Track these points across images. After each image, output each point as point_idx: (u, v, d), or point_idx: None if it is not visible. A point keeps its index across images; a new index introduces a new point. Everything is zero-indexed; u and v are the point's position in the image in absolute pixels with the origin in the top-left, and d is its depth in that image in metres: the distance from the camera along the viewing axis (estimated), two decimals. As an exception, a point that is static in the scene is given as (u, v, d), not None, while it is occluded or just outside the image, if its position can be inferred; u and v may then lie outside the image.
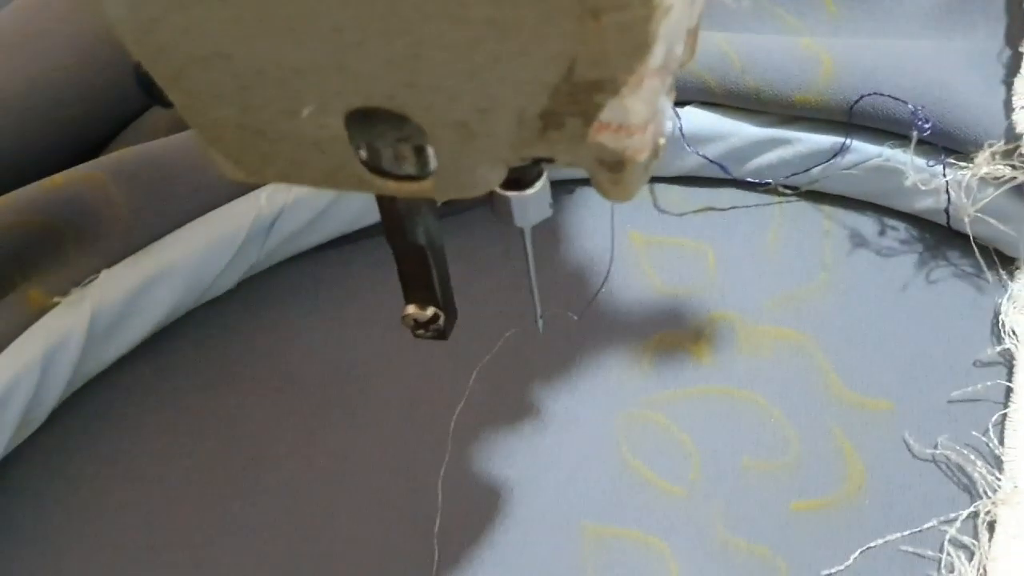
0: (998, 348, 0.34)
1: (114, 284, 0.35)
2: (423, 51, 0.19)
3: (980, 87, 0.36)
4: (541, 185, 0.24)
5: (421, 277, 0.27)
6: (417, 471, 0.35)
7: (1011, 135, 0.34)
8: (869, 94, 0.35)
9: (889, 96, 0.35)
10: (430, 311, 0.27)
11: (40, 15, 0.41)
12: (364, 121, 0.21)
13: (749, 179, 0.38)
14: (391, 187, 0.22)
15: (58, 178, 0.36)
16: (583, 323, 0.36)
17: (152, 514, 0.35)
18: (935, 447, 0.33)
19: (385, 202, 0.26)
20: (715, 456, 0.34)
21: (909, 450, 0.33)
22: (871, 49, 0.36)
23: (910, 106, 0.35)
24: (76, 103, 0.40)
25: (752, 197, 0.38)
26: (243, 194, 0.37)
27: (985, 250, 0.36)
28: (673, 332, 0.36)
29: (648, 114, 0.20)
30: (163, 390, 0.37)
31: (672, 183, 0.39)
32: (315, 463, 0.35)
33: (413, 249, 0.26)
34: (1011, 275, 0.36)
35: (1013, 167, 0.34)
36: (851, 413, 0.34)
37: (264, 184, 0.23)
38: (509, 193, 0.24)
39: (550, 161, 0.21)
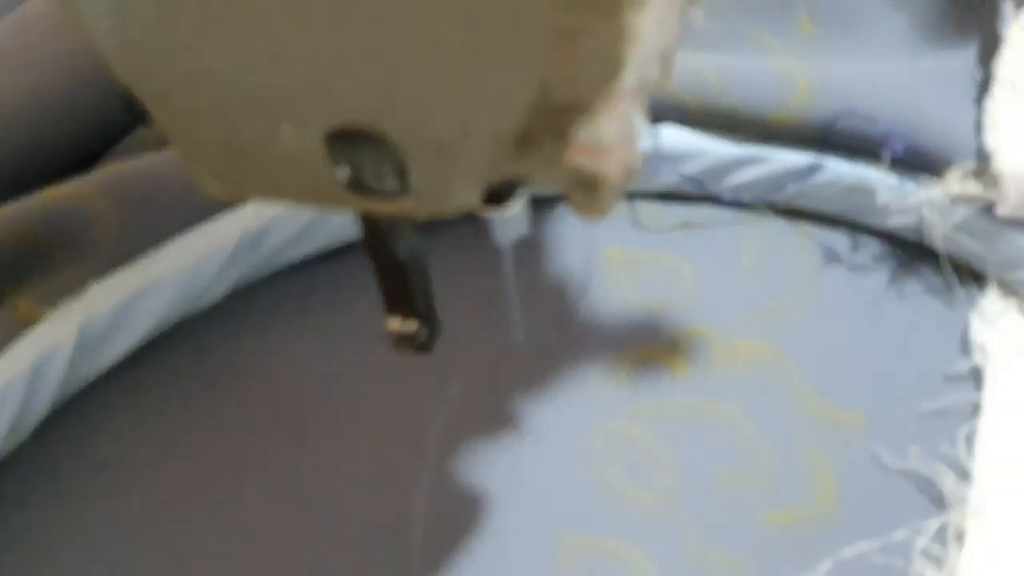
0: (968, 363, 0.35)
1: (102, 297, 0.36)
2: (401, 74, 0.19)
3: (953, 107, 0.36)
4: (518, 202, 0.25)
5: (403, 291, 0.27)
6: (397, 482, 0.35)
7: (982, 155, 0.35)
8: (842, 114, 0.36)
9: (862, 116, 0.36)
10: (413, 325, 0.28)
11: (32, 30, 0.41)
12: (344, 140, 0.21)
13: (725, 196, 0.39)
14: (371, 205, 0.23)
15: (49, 193, 0.37)
16: (561, 337, 0.37)
17: (139, 524, 0.35)
18: (905, 459, 0.34)
19: (366, 218, 0.26)
20: (689, 468, 0.35)
21: (880, 462, 0.34)
22: (845, 70, 0.37)
23: (882, 126, 0.35)
24: (67, 118, 0.41)
25: (728, 214, 0.39)
26: (231, 207, 0.38)
27: (957, 266, 0.37)
28: (649, 346, 0.37)
29: (621, 135, 0.20)
30: (151, 401, 0.38)
31: (650, 200, 0.40)
32: (300, 475, 0.36)
33: (395, 264, 0.27)
34: (981, 291, 0.36)
35: (983, 186, 0.35)
36: (823, 425, 0.35)
37: (247, 201, 0.24)
38: (487, 210, 0.24)
39: (526, 181, 0.22)
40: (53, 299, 0.36)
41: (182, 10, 0.19)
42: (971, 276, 0.37)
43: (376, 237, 0.27)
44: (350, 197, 0.23)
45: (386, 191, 0.22)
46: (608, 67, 0.19)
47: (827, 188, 0.37)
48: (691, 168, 0.39)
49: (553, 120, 0.20)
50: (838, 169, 0.37)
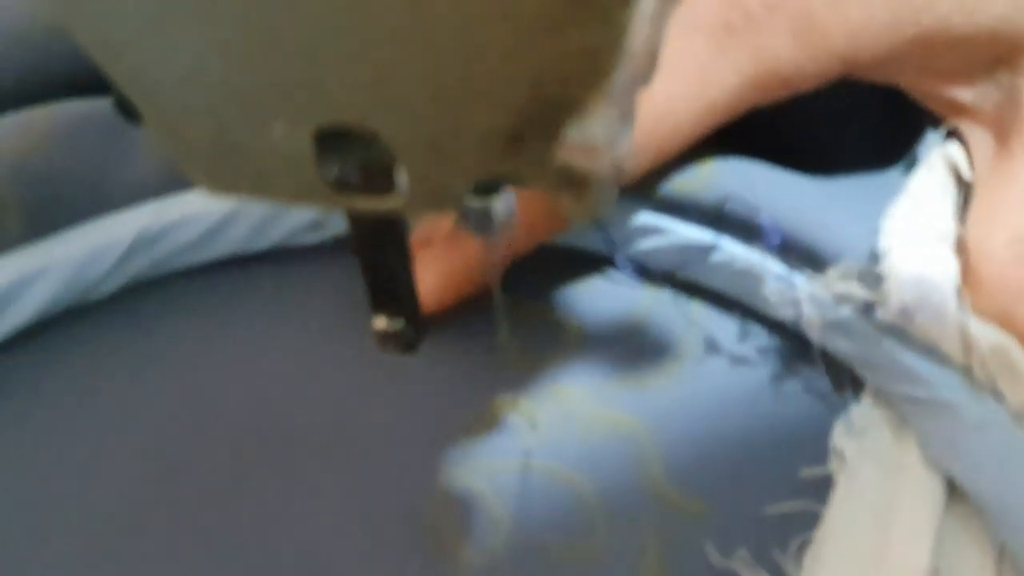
0: (823, 471, 0.34)
1: (-9, 275, 0.37)
2: (392, 72, 0.20)
3: (852, 210, 0.35)
4: (504, 201, 0.25)
5: (390, 290, 0.28)
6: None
7: (873, 256, 0.34)
8: (730, 198, 0.35)
9: (746, 203, 0.35)
10: (399, 324, 0.29)
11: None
12: (334, 138, 0.22)
13: (626, 261, 0.38)
14: (359, 204, 0.23)
15: None
16: (416, 379, 0.37)
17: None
18: (731, 560, 0.33)
19: (354, 216, 0.27)
20: (521, 529, 0.34)
21: (708, 559, 0.33)
22: (751, 159, 0.36)
23: (765, 216, 0.35)
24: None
25: (625, 279, 0.38)
26: (137, 204, 0.38)
27: (840, 367, 0.36)
28: (514, 400, 0.37)
29: (611, 134, 0.21)
30: (31, 387, 0.38)
31: (551, 254, 0.39)
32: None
33: (382, 263, 0.28)
34: (856, 396, 0.35)
35: (867, 287, 0.34)
36: (666, 512, 0.34)
37: (238, 198, 0.25)
38: (471, 202, 0.25)
39: (515, 180, 0.23)
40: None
41: (173, 7, 0.20)
42: (854, 379, 0.36)
43: (363, 235, 0.27)
44: (339, 195, 0.23)
45: (375, 189, 0.23)
46: (600, 65, 0.19)
47: (720, 269, 0.37)
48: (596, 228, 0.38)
49: (543, 119, 0.21)
50: (732, 251, 0.36)
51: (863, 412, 0.35)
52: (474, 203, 0.24)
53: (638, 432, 0.36)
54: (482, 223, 0.25)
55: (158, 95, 0.22)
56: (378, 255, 0.27)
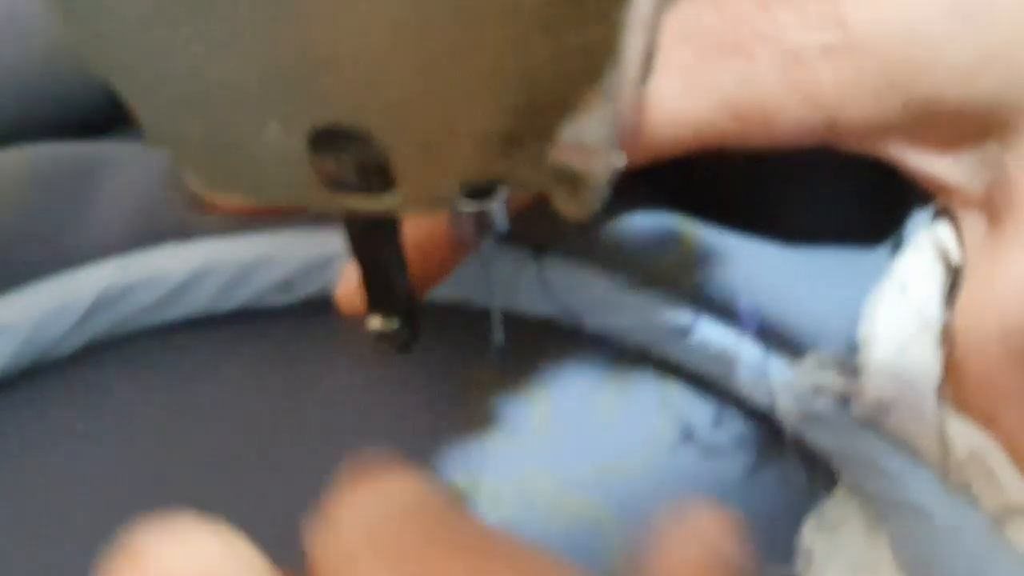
0: (788, 570, 0.33)
1: (-57, 333, 0.36)
2: (387, 72, 0.20)
3: (834, 295, 0.34)
4: (498, 198, 0.25)
5: (385, 290, 0.28)
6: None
7: (851, 346, 0.33)
8: (708, 280, 0.34)
9: (724, 287, 0.34)
10: (394, 324, 0.28)
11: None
12: (328, 138, 0.22)
13: (599, 334, 0.37)
14: (354, 204, 0.23)
15: None
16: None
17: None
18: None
19: (349, 216, 0.26)
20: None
21: (668, 658, 0.32)
22: (732, 239, 0.35)
23: (743, 301, 0.33)
24: (48, 113, 0.41)
25: (599, 353, 0.37)
26: (101, 260, 0.37)
27: (815, 458, 0.34)
28: (476, 476, 0.35)
29: (605, 134, 0.21)
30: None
31: (525, 324, 0.38)
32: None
33: (376, 262, 0.27)
34: (829, 490, 0.34)
35: (843, 378, 0.33)
36: (626, 604, 0.33)
37: (235, 199, 0.25)
38: (466, 205, 0.25)
39: (510, 180, 0.23)
40: None
41: (167, 6, 0.20)
42: (827, 472, 0.34)
43: (358, 235, 0.27)
44: (333, 195, 0.23)
45: (370, 190, 0.23)
46: (595, 65, 0.20)
47: (697, 350, 0.35)
48: (572, 299, 0.37)
49: (538, 118, 0.21)
50: (709, 332, 0.35)
51: (836, 507, 0.34)
52: (469, 206, 0.24)
53: (604, 519, 0.35)
54: (477, 225, 0.26)
55: (152, 94, 0.22)
56: (372, 255, 0.27)
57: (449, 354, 0.37)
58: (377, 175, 0.23)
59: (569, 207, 0.23)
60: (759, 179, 0.37)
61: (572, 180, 0.22)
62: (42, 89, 0.41)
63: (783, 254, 0.35)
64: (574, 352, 0.38)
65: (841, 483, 0.34)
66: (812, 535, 0.33)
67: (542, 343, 0.38)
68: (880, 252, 0.37)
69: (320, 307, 0.36)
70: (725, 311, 0.34)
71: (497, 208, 0.25)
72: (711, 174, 0.36)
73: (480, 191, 0.24)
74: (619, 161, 0.22)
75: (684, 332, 0.35)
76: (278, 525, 0.35)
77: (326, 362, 0.38)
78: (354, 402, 0.37)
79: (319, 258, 0.37)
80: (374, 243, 0.27)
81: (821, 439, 0.33)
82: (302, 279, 0.37)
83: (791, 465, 0.35)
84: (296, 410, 0.38)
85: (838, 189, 0.38)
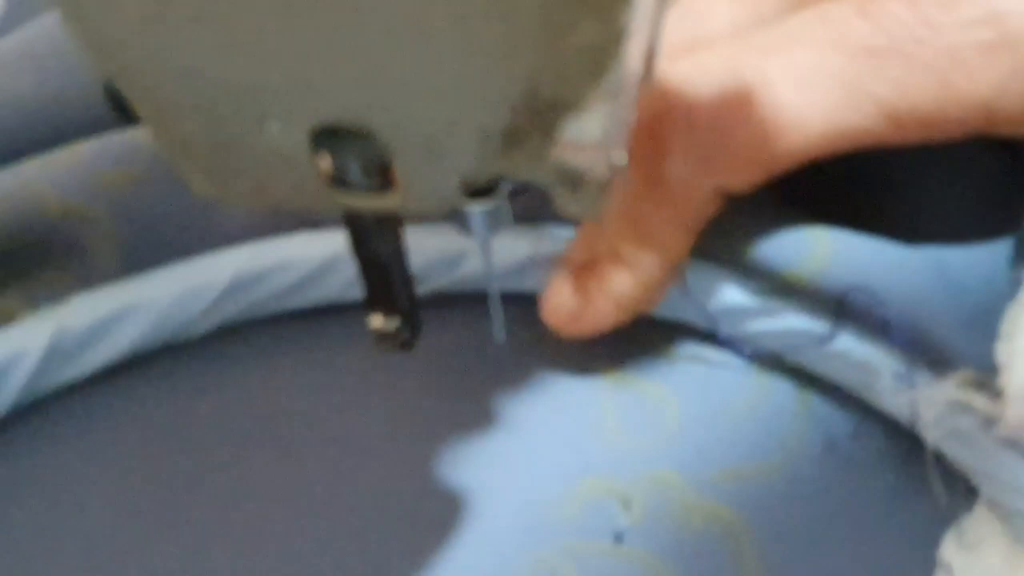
0: (930, 583, 0.33)
1: (82, 309, 0.36)
2: (388, 70, 0.20)
3: (971, 307, 0.33)
4: (499, 200, 0.25)
5: (385, 289, 0.28)
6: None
7: (990, 361, 0.32)
8: (855, 289, 0.33)
9: (872, 296, 0.33)
10: (395, 323, 0.28)
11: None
12: (329, 136, 0.22)
13: (734, 341, 0.36)
14: (355, 202, 0.23)
15: (55, 206, 0.37)
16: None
17: (88, 542, 0.36)
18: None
19: (349, 215, 0.26)
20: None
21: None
22: (873, 243, 0.34)
23: (892, 311, 0.33)
24: (51, 113, 0.41)
25: (732, 360, 0.37)
26: (235, 244, 0.37)
27: (955, 473, 0.34)
28: (609, 479, 0.35)
29: (606, 133, 0.21)
30: (117, 422, 0.38)
31: (659, 326, 0.38)
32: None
33: (378, 261, 0.27)
34: (969, 506, 0.34)
35: (986, 398, 0.32)
36: (761, 611, 0.33)
37: (234, 201, 0.25)
38: (468, 204, 0.25)
39: (511, 178, 0.23)
40: (36, 302, 0.36)
41: (169, 6, 0.20)
42: (968, 488, 0.34)
43: (359, 234, 0.27)
44: (334, 194, 0.23)
45: (371, 188, 0.23)
46: (597, 63, 0.19)
47: (836, 359, 0.35)
48: (712, 307, 0.36)
49: (540, 117, 0.21)
50: (848, 342, 0.34)
51: (976, 523, 0.33)
52: (472, 205, 0.24)
53: (737, 525, 0.34)
54: (480, 224, 0.26)
55: (154, 93, 0.22)
56: (374, 254, 0.27)
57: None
58: (378, 174, 0.23)
59: (571, 206, 0.23)
60: (883, 176, 0.36)
61: (573, 179, 0.22)
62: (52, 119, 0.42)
63: (919, 259, 0.34)
64: (707, 355, 0.37)
65: (981, 500, 0.34)
66: (951, 551, 0.33)
67: (674, 345, 0.38)
68: (1003, 249, 0.36)
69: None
70: (867, 320, 0.34)
71: (496, 205, 0.25)
72: (833, 176, 0.36)
73: (482, 190, 0.24)
74: (620, 160, 0.22)
75: (824, 340, 0.35)
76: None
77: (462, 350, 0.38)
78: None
79: (454, 254, 0.37)
80: (376, 242, 0.27)
81: (963, 454, 0.33)
82: (434, 270, 0.37)
83: (931, 480, 0.34)
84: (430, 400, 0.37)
85: (958, 185, 0.37)
